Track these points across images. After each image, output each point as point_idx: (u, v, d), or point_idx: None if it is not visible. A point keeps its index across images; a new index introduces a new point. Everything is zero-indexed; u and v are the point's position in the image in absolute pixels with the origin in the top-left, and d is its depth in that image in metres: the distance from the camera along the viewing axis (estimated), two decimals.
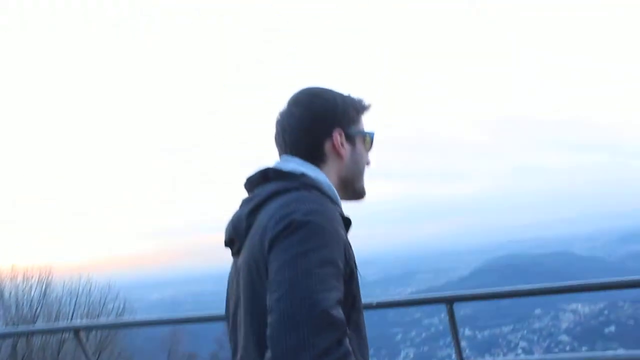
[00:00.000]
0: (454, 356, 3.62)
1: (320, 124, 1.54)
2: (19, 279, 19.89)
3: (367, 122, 1.67)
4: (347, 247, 1.36)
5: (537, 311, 41.07)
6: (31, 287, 19.83)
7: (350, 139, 1.57)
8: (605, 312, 38.23)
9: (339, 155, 1.55)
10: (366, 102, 1.65)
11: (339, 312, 1.21)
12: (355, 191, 1.61)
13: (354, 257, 1.39)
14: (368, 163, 1.63)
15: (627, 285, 3.48)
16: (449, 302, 3.46)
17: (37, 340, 16.62)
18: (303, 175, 1.49)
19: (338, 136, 1.54)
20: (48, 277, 20.33)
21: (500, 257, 75.63)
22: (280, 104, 1.61)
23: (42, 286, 20.00)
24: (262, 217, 1.39)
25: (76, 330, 4.86)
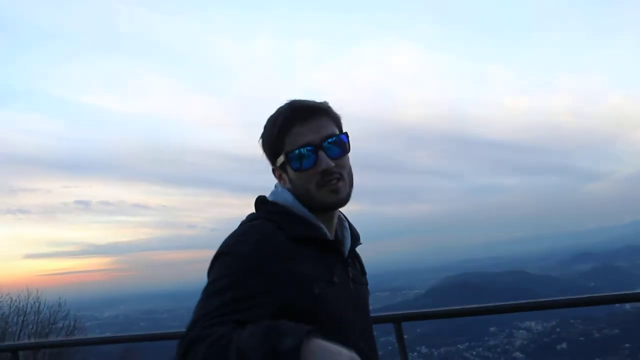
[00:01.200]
0: None
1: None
2: None
3: (301, 134, 1.62)
4: (277, 273, 1.40)
5: (492, 329, 41.57)
6: None
7: (281, 166, 1.65)
8: (558, 329, 38.93)
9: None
10: (282, 117, 1.61)
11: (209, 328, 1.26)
12: (314, 206, 1.63)
13: (303, 278, 1.45)
14: (320, 171, 1.59)
15: (578, 304, 3.55)
16: (397, 321, 3.49)
17: None
18: (271, 203, 1.63)
19: (273, 169, 1.68)
20: None
21: (456, 275, 76.57)
22: None
23: None
24: None
25: (14, 350, 4.59)
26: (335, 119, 1.67)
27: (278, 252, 1.44)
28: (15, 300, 19.87)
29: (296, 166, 1.59)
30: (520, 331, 41.20)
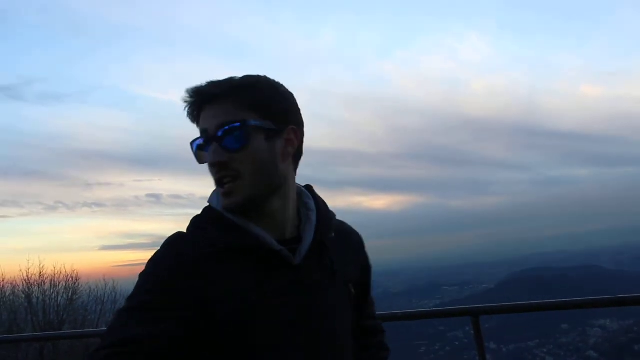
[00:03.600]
0: None
1: None
2: (47, 285, 20.19)
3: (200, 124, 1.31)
4: (178, 293, 1.18)
5: (564, 326, 40.29)
6: (58, 293, 20.08)
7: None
8: (635, 328, 37.35)
9: None
10: (186, 103, 1.30)
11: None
12: None
13: (209, 298, 1.19)
14: (210, 168, 1.29)
15: None
16: (475, 314, 3.42)
17: (63, 346, 16.83)
18: (206, 208, 1.37)
19: None
20: (74, 283, 20.58)
21: (526, 269, 74.48)
22: None
23: (69, 293, 20.24)
24: None
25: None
26: (252, 101, 1.27)
27: (182, 269, 1.20)
28: (94, 289, 20.77)
29: (197, 160, 1.31)
30: (595, 329, 39.77)
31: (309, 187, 1.45)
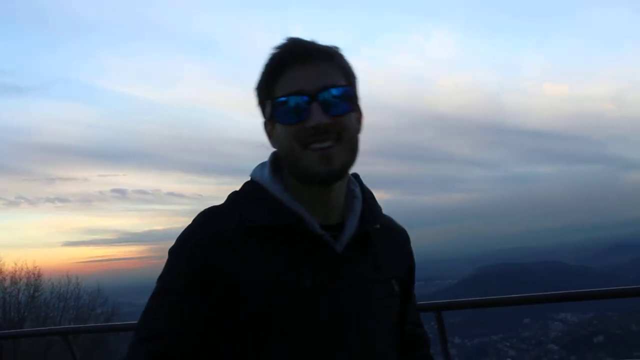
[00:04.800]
0: None
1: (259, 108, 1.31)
2: (7, 282, 19.74)
3: (291, 81, 1.19)
4: (210, 269, 1.14)
5: (526, 320, 41.09)
6: (19, 290, 19.66)
7: (270, 118, 1.25)
8: (594, 322, 38.25)
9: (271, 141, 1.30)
10: (275, 56, 1.22)
11: (149, 347, 1.13)
12: (299, 176, 1.21)
13: (240, 281, 1.13)
14: (309, 126, 1.16)
15: (616, 295, 3.52)
16: (438, 310, 3.48)
17: (24, 345, 16.48)
18: (247, 182, 1.30)
19: (264, 122, 1.30)
20: (36, 280, 20.17)
21: (491, 265, 75.80)
22: None
23: (31, 289, 19.84)
24: None
25: (65, 334, 4.83)
26: (344, 69, 1.24)
27: (216, 245, 1.15)
28: (57, 286, 20.41)
29: (281, 118, 1.19)
30: (556, 323, 40.64)
31: (355, 175, 1.36)
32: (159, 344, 1.12)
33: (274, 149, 1.30)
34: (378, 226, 1.31)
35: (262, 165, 1.30)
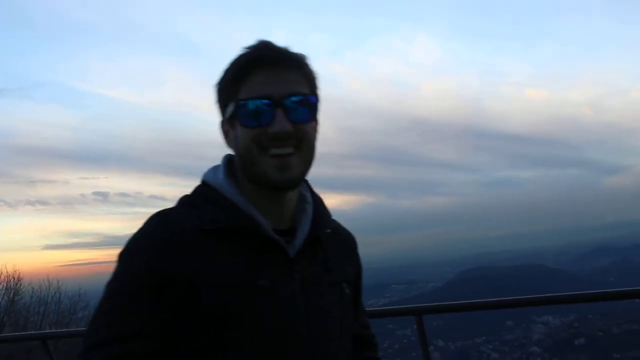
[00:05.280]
0: None
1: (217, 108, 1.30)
2: None
3: (257, 83, 1.19)
4: (166, 271, 1.11)
5: (509, 323, 41.34)
6: None
7: (231, 119, 1.24)
8: (576, 324, 38.59)
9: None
10: (244, 57, 1.21)
11: (95, 355, 1.09)
12: (255, 179, 1.22)
13: (199, 281, 1.12)
14: (271, 132, 1.17)
15: (597, 298, 3.57)
16: (418, 313, 3.49)
17: (3, 349, 16.27)
18: (201, 184, 1.29)
19: (221, 121, 1.29)
20: (16, 284, 19.91)
21: (472, 269, 76.11)
22: None
23: (10, 294, 19.58)
24: None
25: (44, 339, 4.77)
26: (310, 78, 1.25)
27: (170, 247, 1.13)
28: (37, 290, 20.15)
29: (243, 120, 1.18)
30: (538, 325, 40.93)
31: (305, 180, 1.36)
32: (113, 348, 1.08)
33: (227, 152, 1.31)
34: (329, 231, 1.34)
35: (215, 168, 1.30)
